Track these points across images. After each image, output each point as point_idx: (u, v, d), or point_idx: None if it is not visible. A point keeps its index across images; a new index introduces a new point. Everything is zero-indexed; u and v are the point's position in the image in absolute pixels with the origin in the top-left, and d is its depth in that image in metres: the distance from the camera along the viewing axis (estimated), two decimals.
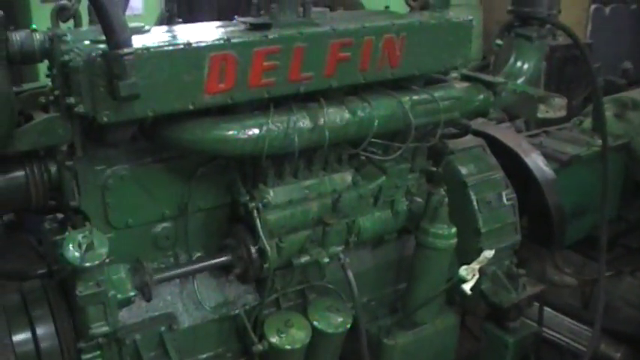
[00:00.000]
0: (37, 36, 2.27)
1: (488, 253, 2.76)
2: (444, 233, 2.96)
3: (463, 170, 3.27)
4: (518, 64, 3.22)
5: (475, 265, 2.75)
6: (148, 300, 2.57)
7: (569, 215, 3.79)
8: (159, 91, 2.24)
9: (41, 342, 2.55)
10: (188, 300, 2.76)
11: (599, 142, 3.89)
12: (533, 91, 3.10)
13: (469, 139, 3.37)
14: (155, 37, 2.33)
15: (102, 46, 2.15)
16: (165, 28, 2.55)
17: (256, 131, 2.47)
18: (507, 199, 3.29)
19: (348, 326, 2.82)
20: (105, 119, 2.19)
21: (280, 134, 2.50)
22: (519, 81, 3.19)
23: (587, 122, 4.18)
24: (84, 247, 2.26)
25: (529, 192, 3.59)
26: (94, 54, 2.12)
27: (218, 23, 2.62)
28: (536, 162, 3.56)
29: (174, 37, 2.33)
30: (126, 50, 2.07)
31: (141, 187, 2.59)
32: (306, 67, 2.50)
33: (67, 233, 2.34)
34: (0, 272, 2.89)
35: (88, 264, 2.25)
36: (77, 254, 2.25)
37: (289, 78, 2.48)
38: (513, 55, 3.29)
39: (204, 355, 2.82)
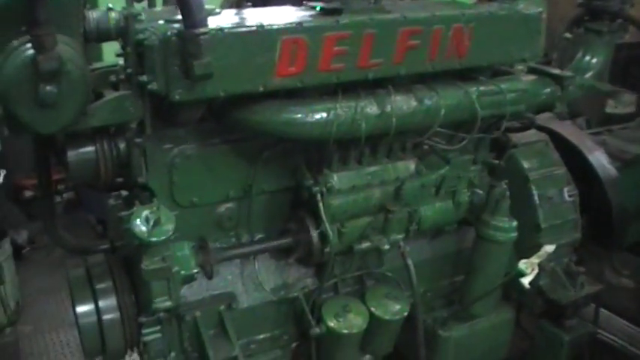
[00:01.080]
0: (113, 15, 2.33)
1: (549, 248, 2.73)
2: (505, 226, 2.94)
3: (525, 164, 3.24)
4: (587, 58, 3.16)
5: (535, 260, 2.72)
6: (210, 278, 2.62)
7: (631, 216, 3.72)
8: (231, 72, 2.27)
9: (103, 314, 2.63)
10: (248, 280, 2.80)
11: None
12: (603, 86, 3.05)
13: (532, 134, 3.34)
14: (227, 19, 2.36)
15: (177, 25, 2.19)
16: (235, 11, 2.57)
17: (324, 115, 2.48)
18: (569, 196, 3.26)
19: (406, 314, 2.82)
20: (177, 97, 2.22)
21: (347, 119, 2.51)
22: (587, 76, 3.13)
23: None
24: (151, 222, 2.31)
25: (591, 190, 3.53)
26: (169, 33, 2.16)
27: (289, 7, 2.64)
28: (600, 160, 3.50)
29: (246, 19, 2.35)
30: (202, 30, 2.11)
31: (207, 167, 2.63)
32: (376, 53, 2.51)
33: (134, 208, 2.39)
34: (65, 246, 2.96)
35: (154, 239, 2.30)
36: (144, 229, 2.30)
37: (358, 64, 2.49)
38: (581, 49, 3.23)
39: (261, 336, 2.86)
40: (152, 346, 2.60)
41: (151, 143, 2.50)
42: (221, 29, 2.22)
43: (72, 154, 2.42)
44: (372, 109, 2.57)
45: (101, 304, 2.62)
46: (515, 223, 2.95)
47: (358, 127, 2.54)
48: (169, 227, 2.34)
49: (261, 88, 2.35)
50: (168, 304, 2.45)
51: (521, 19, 2.80)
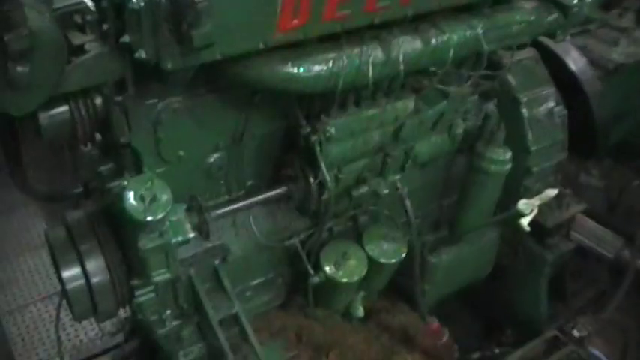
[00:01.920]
0: None
1: (552, 192, 2.69)
2: (500, 158, 2.87)
3: (515, 85, 3.10)
4: None
5: (535, 202, 2.68)
6: (207, 238, 2.47)
7: (611, 125, 3.71)
8: (228, 33, 1.99)
9: (92, 277, 2.47)
10: (241, 229, 2.67)
11: None
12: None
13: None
14: None
15: None
16: None
17: (329, 66, 2.26)
18: (558, 116, 3.17)
19: (404, 255, 2.78)
20: (170, 66, 1.96)
21: (353, 69, 2.30)
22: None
23: (626, 20, 3.95)
24: (147, 200, 2.12)
25: (575, 101, 3.46)
26: None
27: None
28: (584, 72, 3.40)
29: None
30: None
31: (194, 119, 2.40)
32: None
33: (125, 182, 2.18)
34: (35, 194, 2.73)
35: (152, 218, 2.12)
36: (141, 209, 2.11)
37: (365, 9, 2.23)
38: None
39: (255, 282, 2.80)
40: (146, 306, 2.50)
41: (132, 100, 2.23)
42: None
43: (44, 117, 2.14)
44: (378, 54, 2.35)
45: (88, 266, 2.46)
46: (509, 154, 2.88)
47: (365, 75, 2.33)
48: (166, 202, 2.16)
49: (262, 46, 2.09)
50: (167, 276, 2.33)
51: None
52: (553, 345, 2.99)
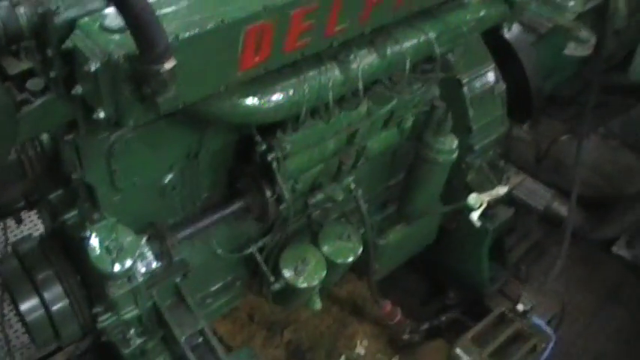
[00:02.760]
0: (22, 10, 1.79)
1: (502, 189, 2.78)
2: (447, 148, 2.91)
3: (456, 66, 3.07)
4: None
5: (485, 197, 2.76)
6: (170, 264, 2.45)
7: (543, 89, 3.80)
8: (189, 82, 1.89)
9: (51, 305, 2.43)
10: (197, 240, 2.64)
11: (571, 3, 3.79)
12: (563, 21, 2.87)
13: None
14: (174, 11, 1.89)
15: (118, 37, 1.73)
16: None
17: (290, 95, 2.20)
18: (497, 93, 3.22)
19: (358, 254, 2.84)
20: (131, 123, 1.86)
21: (314, 94, 2.25)
22: None
23: None
24: (114, 252, 2.07)
25: (510, 67, 3.50)
26: (116, 56, 1.70)
27: None
28: (520, 41, 3.44)
29: (200, 12, 1.90)
30: (167, 66, 1.69)
31: (148, 146, 2.31)
32: (343, 19, 2.16)
33: (88, 233, 2.11)
34: None
35: (120, 270, 2.08)
36: (108, 261, 2.07)
37: (325, 34, 2.15)
38: None
39: (215, 287, 2.80)
40: (110, 329, 2.49)
41: (83, 137, 2.12)
42: (176, 37, 1.79)
43: None
44: (337, 75, 2.30)
45: (46, 295, 2.42)
46: (456, 143, 2.92)
47: (325, 97, 2.30)
48: (132, 247, 2.12)
49: (223, 87, 2.00)
50: (135, 312, 2.32)
51: None
52: (501, 320, 3.18)
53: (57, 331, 2.46)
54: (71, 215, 2.40)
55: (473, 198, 2.77)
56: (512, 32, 3.47)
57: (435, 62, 2.58)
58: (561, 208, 4.00)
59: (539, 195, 3.99)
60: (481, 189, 3.29)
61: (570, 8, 3.82)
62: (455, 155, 2.94)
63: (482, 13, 2.68)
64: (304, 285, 2.70)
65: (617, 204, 3.97)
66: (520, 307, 3.13)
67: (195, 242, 2.63)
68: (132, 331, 2.56)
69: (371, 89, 2.63)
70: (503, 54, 3.48)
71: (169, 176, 2.45)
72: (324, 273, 2.74)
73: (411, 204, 3.11)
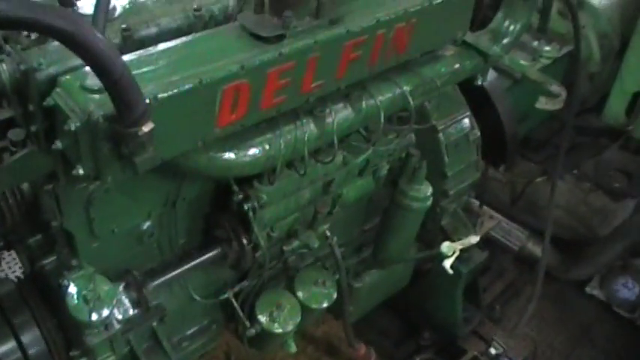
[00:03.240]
0: (4, 67, 1.85)
1: (474, 239, 2.84)
2: (421, 196, 2.96)
3: (433, 113, 3.17)
4: (506, 23, 2.97)
5: (457, 245, 2.82)
6: (146, 310, 2.48)
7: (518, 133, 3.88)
8: (167, 139, 1.94)
9: (28, 349, 2.45)
10: (175, 286, 2.68)
11: (546, 48, 3.90)
12: (534, 74, 2.95)
13: None
14: (152, 70, 1.95)
15: (98, 97, 1.78)
16: (152, 51, 2.02)
17: (266, 150, 2.27)
18: (472, 140, 3.29)
19: (333, 299, 2.89)
20: (110, 180, 1.91)
21: (289, 148, 2.32)
22: (505, 41, 2.99)
23: (534, 18, 4.07)
24: (91, 303, 2.11)
25: (485, 113, 3.59)
26: (95, 116, 1.75)
27: (216, 33, 2.17)
28: (495, 88, 3.53)
29: (174, 68, 1.96)
30: (145, 129, 1.75)
31: (127, 195, 2.36)
32: (319, 76, 2.23)
33: (66, 282, 2.15)
34: None
35: (97, 318, 2.12)
36: (85, 310, 2.11)
37: (301, 91, 2.22)
38: (501, 10, 3.04)
39: (191, 331, 2.83)
40: None
41: (63, 187, 2.16)
42: (154, 97, 1.85)
43: None
44: (313, 129, 2.37)
45: (24, 339, 2.45)
46: (430, 190, 2.98)
47: (301, 151, 2.36)
48: (110, 296, 2.16)
49: (201, 143, 2.06)
50: (112, 358, 2.34)
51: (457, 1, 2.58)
52: None
53: None
54: (49, 261, 2.45)
55: (446, 246, 2.83)
56: (488, 80, 3.54)
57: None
58: (536, 249, 4.08)
59: (514, 235, 4.07)
60: (455, 233, 3.39)
61: (546, 53, 3.94)
62: (429, 202, 2.99)
63: (456, 66, 2.77)
64: (279, 330, 2.74)
65: (591, 245, 4.05)
66: (492, 350, 3.19)
67: (173, 287, 2.67)
68: None
69: (346, 140, 2.71)
70: (478, 99, 3.56)
71: (147, 223, 2.50)
72: (298, 318, 2.78)
73: (385, 249, 3.16)
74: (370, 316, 3.75)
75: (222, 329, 2.94)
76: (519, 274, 4.14)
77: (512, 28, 2.98)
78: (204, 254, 2.63)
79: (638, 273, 3.88)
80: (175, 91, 1.87)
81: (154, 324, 2.61)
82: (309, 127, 2.36)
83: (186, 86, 1.90)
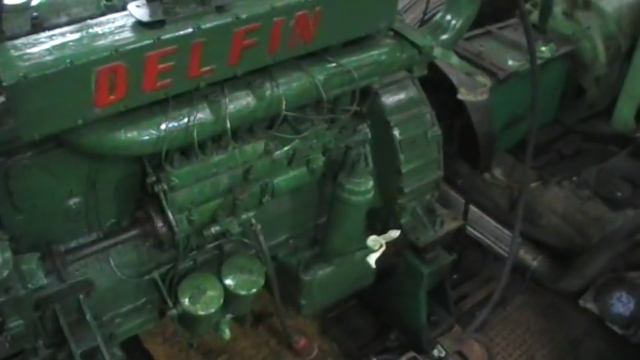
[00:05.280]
0: None
1: (394, 233, 2.81)
2: (360, 190, 2.96)
3: (388, 108, 3.16)
4: (448, 17, 2.93)
5: (381, 239, 2.81)
6: (63, 280, 2.65)
7: (505, 125, 3.78)
8: (43, 115, 2.11)
9: None
10: (104, 263, 2.83)
11: (542, 49, 3.77)
12: (460, 65, 2.89)
13: None
14: (28, 52, 2.11)
15: None
16: (39, 36, 2.17)
17: (154, 132, 2.38)
18: (432, 137, 3.24)
19: (260, 287, 2.94)
20: None
21: (180, 132, 2.42)
22: (444, 37, 2.95)
23: (535, 16, 3.95)
24: None
25: (460, 113, 3.53)
26: None
27: (107, 20, 2.27)
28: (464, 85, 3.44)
29: (51, 52, 2.11)
30: None
31: (45, 171, 2.53)
32: (207, 61, 2.32)
33: None
34: None
35: None
36: None
37: (188, 76, 2.32)
38: (445, 5, 2.99)
39: (125, 308, 2.96)
40: (17, 337, 2.69)
41: None
42: (25, 76, 2.01)
43: None
44: (207, 115, 2.46)
45: None
46: (371, 184, 2.97)
47: (191, 136, 2.45)
48: (5, 262, 2.32)
49: (80, 122, 2.20)
50: (20, 322, 2.52)
51: None
52: None
53: None
54: None
55: (372, 240, 2.83)
56: (460, 81, 3.48)
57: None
58: (527, 257, 3.93)
59: (505, 242, 3.93)
60: (414, 232, 3.34)
61: (540, 53, 3.81)
62: (368, 196, 2.98)
63: (383, 57, 2.77)
64: (201, 313, 2.83)
65: (582, 255, 3.85)
66: (435, 352, 3.11)
67: (103, 265, 2.82)
68: (40, 342, 2.78)
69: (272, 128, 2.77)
70: (453, 100, 3.51)
71: (72, 201, 2.66)
72: (220, 302, 2.85)
73: (329, 242, 3.17)
74: (343, 315, 3.78)
75: (158, 310, 3.05)
76: (510, 283, 3.98)
77: (453, 22, 2.95)
78: (125, 233, 2.76)
79: (634, 287, 3.64)
80: (47, 71, 2.04)
81: (81, 297, 2.77)
82: (203, 113, 2.44)
83: (59, 67, 2.06)
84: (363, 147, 3.08)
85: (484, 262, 4.03)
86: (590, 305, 3.78)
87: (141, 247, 2.87)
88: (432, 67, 3.40)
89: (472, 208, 4.01)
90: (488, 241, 4.01)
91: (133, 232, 2.76)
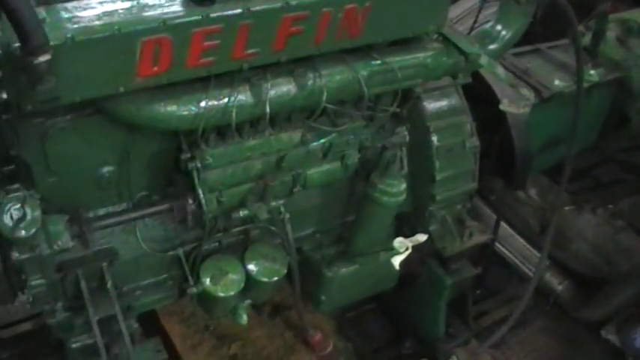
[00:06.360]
0: None
1: (422, 237, 2.79)
2: (392, 191, 2.94)
3: (428, 113, 3.15)
4: (498, 27, 2.91)
5: (408, 242, 2.79)
6: (87, 247, 2.69)
7: (544, 146, 3.73)
8: (84, 79, 2.14)
9: None
10: (130, 235, 2.86)
11: (591, 72, 3.71)
12: (505, 76, 2.87)
13: None
14: (78, 16, 2.14)
15: None
16: (93, 1, 2.22)
17: (193, 109, 2.40)
18: (470, 147, 3.22)
19: (282, 276, 2.94)
20: (30, 108, 2.13)
21: (219, 111, 2.43)
22: (492, 46, 2.93)
23: (587, 39, 3.89)
24: (15, 219, 2.34)
25: (500, 128, 3.49)
26: (14, 45, 1.98)
27: None
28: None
29: (100, 17, 2.14)
30: (41, 59, 1.94)
31: (82, 137, 2.56)
32: (252, 44, 2.34)
33: (0, 199, 2.39)
34: None
35: (18, 235, 2.35)
36: (9, 225, 2.34)
37: (232, 56, 2.34)
38: (496, 16, 2.98)
39: (146, 282, 2.99)
40: (37, 298, 2.74)
41: (20, 118, 2.41)
42: (72, 38, 2.05)
43: None
44: (247, 97, 2.47)
45: None
46: (403, 186, 2.95)
47: (230, 117, 2.46)
48: (35, 220, 2.37)
49: (122, 89, 2.23)
50: (41, 281, 2.56)
51: None
52: None
53: None
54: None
55: (398, 242, 2.81)
56: (505, 95, 3.45)
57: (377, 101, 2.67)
58: (553, 281, 3.87)
59: (533, 263, 3.88)
60: (441, 241, 3.32)
61: (588, 76, 3.75)
62: (400, 198, 2.96)
63: (428, 61, 2.75)
64: (220, 294, 2.84)
65: (608, 285, 3.77)
66: None
67: (128, 236, 2.85)
68: (59, 304, 2.82)
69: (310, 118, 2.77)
70: (496, 114, 3.48)
71: (105, 169, 2.69)
72: (241, 285, 2.86)
73: (355, 241, 3.15)
74: (360, 318, 3.76)
75: (178, 288, 3.07)
76: (533, 305, 3.93)
77: (503, 33, 2.93)
78: (153, 206, 2.79)
79: None
80: (94, 36, 2.08)
81: (104, 265, 2.80)
82: (245, 95, 2.46)
83: (106, 33, 2.09)
84: (400, 150, 3.05)
85: (509, 281, 3.98)
86: (612, 337, 3.70)
87: (168, 223, 2.89)
88: (476, 78, 3.37)
89: (502, 225, 3.97)
90: (516, 260, 3.96)
91: (162, 207, 2.79)
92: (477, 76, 3.35)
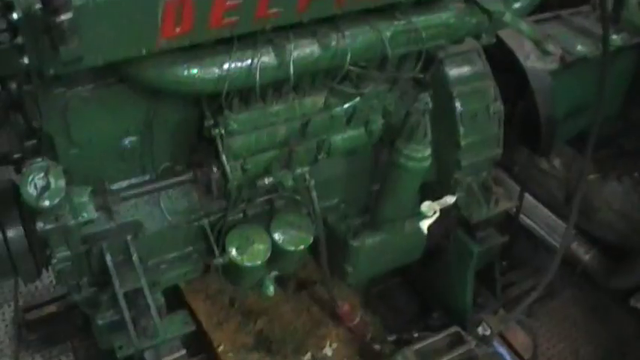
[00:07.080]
0: None
1: (450, 199, 2.75)
2: (417, 156, 2.89)
3: (451, 78, 3.10)
4: None
5: (435, 205, 2.75)
6: (112, 219, 2.66)
7: (568, 114, 3.67)
8: (107, 40, 2.10)
9: (12, 244, 2.69)
10: (154, 207, 2.83)
11: (614, 37, 3.65)
12: (529, 32, 2.81)
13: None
14: None
15: None
16: None
17: (216, 71, 2.36)
18: (494, 112, 3.16)
19: (308, 244, 2.91)
20: (52, 72, 2.10)
21: (242, 73, 2.40)
22: (516, 5, 2.87)
23: (609, 5, 3.82)
24: (39, 188, 2.31)
25: (523, 96, 3.44)
26: (36, 6, 1.95)
27: None
28: (535, 69, 3.36)
29: None
30: (63, 17, 1.91)
31: (104, 107, 2.54)
32: (275, 3, 2.30)
33: (24, 169, 2.36)
34: None
35: (42, 204, 2.32)
36: (33, 195, 2.31)
37: (255, 16, 2.30)
38: None
39: (171, 255, 2.96)
40: (62, 273, 2.72)
41: (41, 89, 2.39)
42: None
43: None
44: (270, 59, 2.43)
45: (9, 234, 2.68)
46: (428, 152, 2.90)
47: (254, 79, 2.42)
48: (59, 189, 2.35)
49: (145, 52, 2.19)
50: (66, 253, 2.54)
51: None
52: (456, 341, 3.09)
53: (15, 267, 2.73)
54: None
55: (425, 205, 2.78)
56: (528, 60, 3.40)
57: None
58: (580, 250, 3.81)
59: (559, 233, 3.82)
60: (467, 208, 3.27)
61: (612, 41, 3.68)
62: (425, 164, 2.91)
63: (451, 21, 2.70)
64: (247, 264, 2.81)
65: (635, 253, 3.71)
66: (480, 330, 3.03)
67: (154, 208, 2.82)
68: (84, 279, 2.80)
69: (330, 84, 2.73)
70: (520, 79, 3.43)
71: (127, 139, 2.67)
72: (267, 255, 2.83)
73: (380, 209, 3.11)
74: (388, 292, 3.72)
75: (203, 261, 3.04)
76: (560, 275, 3.87)
77: None
78: (177, 176, 2.76)
79: None
80: None
81: (129, 238, 2.78)
82: (267, 57, 2.42)
83: None
84: (423, 117, 3.01)
85: (535, 252, 3.92)
86: None
87: (192, 194, 2.86)
88: (498, 44, 3.32)
89: (527, 196, 3.92)
90: (542, 232, 3.91)
91: (186, 177, 2.76)
92: (498, 42, 3.31)
